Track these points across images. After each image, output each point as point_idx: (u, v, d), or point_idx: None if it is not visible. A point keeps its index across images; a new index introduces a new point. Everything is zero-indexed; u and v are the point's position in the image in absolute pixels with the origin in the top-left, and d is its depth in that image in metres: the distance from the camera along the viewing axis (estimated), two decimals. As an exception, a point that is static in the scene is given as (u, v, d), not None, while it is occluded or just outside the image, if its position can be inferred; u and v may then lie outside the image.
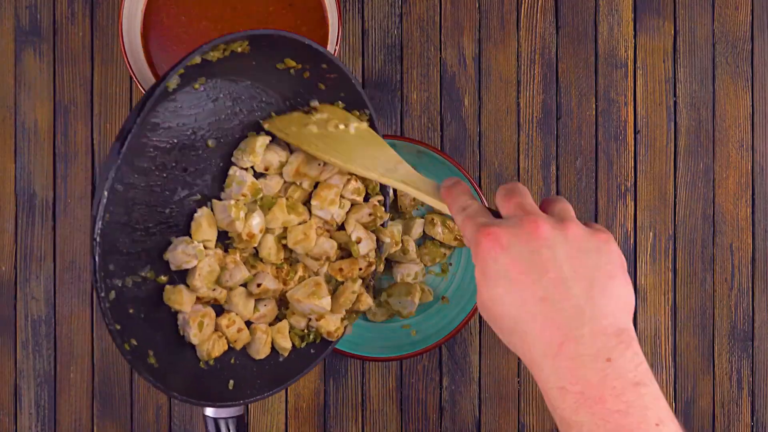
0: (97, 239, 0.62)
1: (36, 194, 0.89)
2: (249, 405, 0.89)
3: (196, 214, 0.70)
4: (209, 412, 0.73)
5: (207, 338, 0.70)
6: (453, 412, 0.89)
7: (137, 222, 0.67)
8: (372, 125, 0.74)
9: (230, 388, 0.72)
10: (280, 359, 0.75)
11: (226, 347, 0.71)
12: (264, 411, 0.89)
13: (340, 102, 0.74)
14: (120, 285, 0.65)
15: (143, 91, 0.83)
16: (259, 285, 0.72)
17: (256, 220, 0.71)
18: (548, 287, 0.55)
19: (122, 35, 0.82)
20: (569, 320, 0.55)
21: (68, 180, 0.89)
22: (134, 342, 0.65)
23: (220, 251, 0.71)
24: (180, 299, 0.69)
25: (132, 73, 0.83)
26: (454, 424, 0.89)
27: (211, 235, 0.70)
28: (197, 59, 0.64)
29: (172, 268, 0.69)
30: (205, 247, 0.70)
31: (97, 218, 0.62)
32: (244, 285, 0.72)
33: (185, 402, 0.68)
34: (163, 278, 0.69)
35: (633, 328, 0.56)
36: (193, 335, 0.69)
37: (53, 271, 0.89)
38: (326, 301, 0.73)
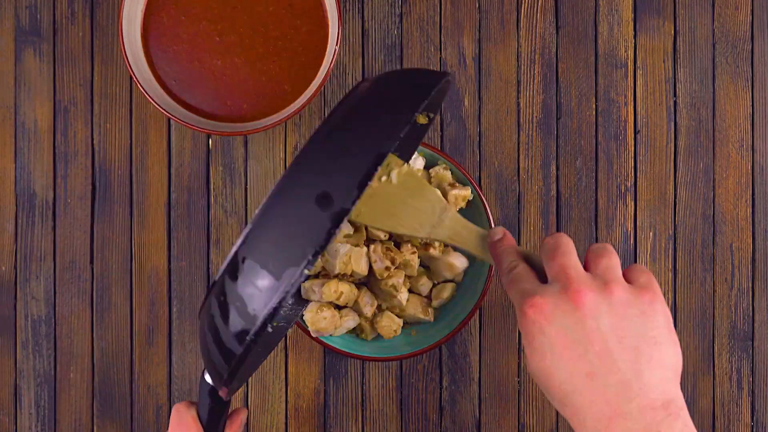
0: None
1: (36, 194, 0.89)
2: (249, 403, 0.89)
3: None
4: (209, 378, 0.73)
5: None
6: (453, 412, 0.89)
7: None
8: (427, 124, 0.76)
9: None
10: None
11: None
12: (264, 411, 0.89)
13: None
14: None
15: (143, 91, 0.83)
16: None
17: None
18: (594, 361, 0.57)
19: (122, 35, 0.82)
20: (617, 396, 0.56)
21: (68, 180, 0.89)
22: None
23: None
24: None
25: (132, 73, 0.82)
26: (454, 424, 0.89)
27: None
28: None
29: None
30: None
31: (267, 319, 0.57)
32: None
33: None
34: None
35: (681, 395, 0.58)
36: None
37: (53, 271, 0.89)
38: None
